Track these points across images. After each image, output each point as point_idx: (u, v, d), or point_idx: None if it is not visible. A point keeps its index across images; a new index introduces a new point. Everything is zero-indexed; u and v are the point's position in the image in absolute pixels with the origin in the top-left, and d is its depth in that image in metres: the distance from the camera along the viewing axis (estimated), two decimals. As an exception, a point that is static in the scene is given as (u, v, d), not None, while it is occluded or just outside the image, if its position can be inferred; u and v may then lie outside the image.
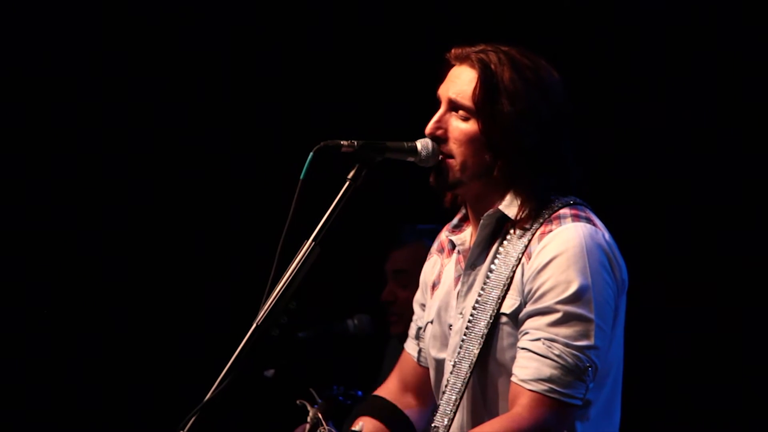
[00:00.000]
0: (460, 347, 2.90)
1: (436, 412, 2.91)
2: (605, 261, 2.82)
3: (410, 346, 3.21)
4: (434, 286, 3.10)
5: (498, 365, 2.88)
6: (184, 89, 5.75)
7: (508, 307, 2.86)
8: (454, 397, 2.88)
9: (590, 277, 2.79)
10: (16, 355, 5.73)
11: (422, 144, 2.93)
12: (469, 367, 2.87)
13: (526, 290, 2.84)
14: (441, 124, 2.94)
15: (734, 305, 4.94)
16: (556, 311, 2.79)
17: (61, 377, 5.76)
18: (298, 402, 4.80)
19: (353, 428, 3.09)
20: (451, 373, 2.90)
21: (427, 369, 3.14)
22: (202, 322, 5.75)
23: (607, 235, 2.87)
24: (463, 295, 2.96)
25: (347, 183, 2.86)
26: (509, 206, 2.91)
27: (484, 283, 2.90)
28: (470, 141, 2.91)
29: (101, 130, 5.75)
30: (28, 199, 5.70)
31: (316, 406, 4.73)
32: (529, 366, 2.79)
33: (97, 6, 5.63)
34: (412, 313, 3.22)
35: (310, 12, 5.65)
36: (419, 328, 3.18)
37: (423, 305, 3.17)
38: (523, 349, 2.81)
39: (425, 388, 3.17)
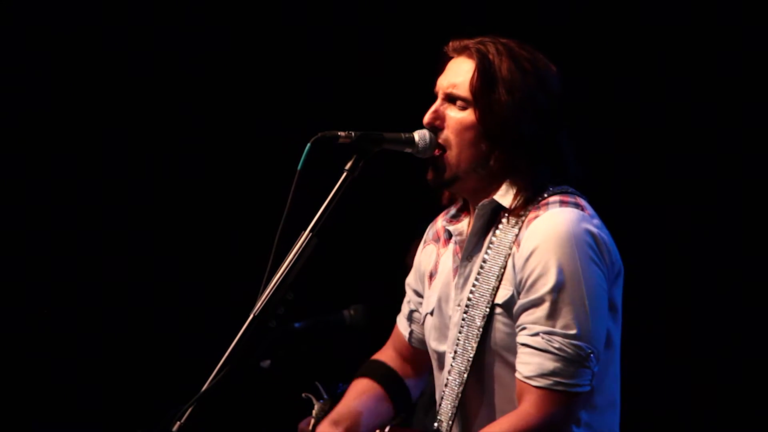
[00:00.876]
0: (458, 340, 2.91)
1: (439, 406, 2.92)
2: (593, 244, 2.81)
3: (402, 325, 3.23)
4: (431, 276, 3.11)
5: (495, 356, 2.88)
6: (181, 81, 5.74)
7: (501, 297, 2.87)
8: (456, 391, 2.89)
9: (578, 260, 2.79)
10: (15, 355, 5.73)
11: (419, 135, 2.93)
12: (468, 361, 2.88)
13: (517, 279, 2.85)
14: (438, 114, 2.95)
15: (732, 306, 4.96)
16: (549, 301, 2.79)
17: (61, 374, 5.77)
18: (303, 395, 4.80)
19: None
20: (452, 366, 2.91)
21: (418, 349, 3.17)
22: (200, 313, 5.75)
23: (596, 220, 2.87)
24: (459, 287, 2.97)
25: (344, 174, 2.86)
26: (504, 196, 2.92)
27: (478, 274, 2.91)
28: (467, 130, 2.91)
29: (100, 129, 5.74)
30: (27, 199, 5.71)
31: (321, 401, 4.74)
32: (532, 362, 2.79)
33: (96, 6, 5.63)
34: None
35: (309, 4, 5.64)
36: (412, 311, 3.19)
37: (416, 291, 3.18)
38: (523, 345, 2.82)
39: (418, 361, 3.20)
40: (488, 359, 2.89)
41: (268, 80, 5.73)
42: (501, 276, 2.87)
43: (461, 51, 2.96)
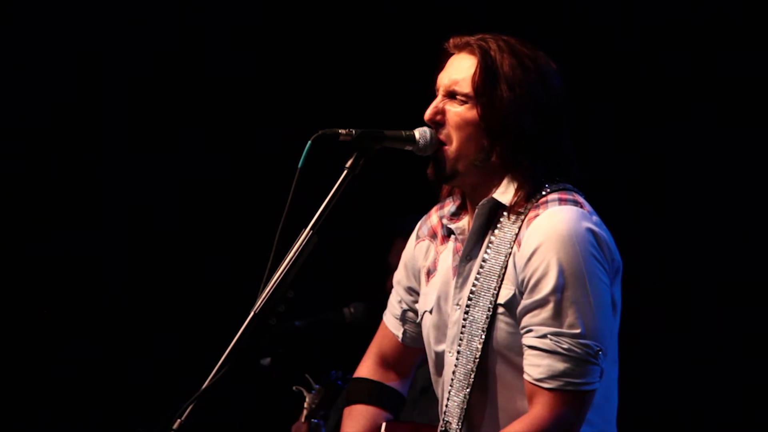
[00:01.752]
0: (460, 340, 2.90)
1: (446, 408, 2.92)
2: (594, 241, 2.81)
3: (393, 325, 3.19)
4: (429, 274, 3.09)
5: (498, 356, 2.88)
6: (181, 79, 5.74)
7: (503, 297, 2.86)
8: (462, 393, 2.89)
9: (581, 259, 2.79)
10: (15, 355, 5.73)
11: (420, 133, 2.93)
12: (474, 361, 2.87)
13: (519, 279, 2.84)
14: (439, 110, 2.94)
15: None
16: (553, 301, 2.78)
17: (60, 373, 5.77)
18: (294, 388, 4.80)
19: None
20: (455, 367, 2.91)
21: (409, 347, 3.15)
22: (200, 311, 5.75)
23: (595, 218, 2.86)
24: (459, 286, 2.96)
25: (345, 172, 2.86)
26: (504, 193, 2.91)
27: (478, 273, 2.90)
28: (468, 126, 2.91)
29: (99, 128, 5.74)
30: (27, 199, 5.71)
31: (312, 392, 4.74)
32: (541, 364, 2.79)
33: (95, 5, 5.63)
34: None
35: (308, 2, 5.64)
36: (405, 311, 3.17)
37: (409, 288, 3.16)
38: (530, 347, 2.81)
39: (405, 362, 3.19)
40: (492, 360, 2.88)
41: (268, 78, 5.73)
42: (502, 275, 2.87)
43: (462, 47, 2.95)
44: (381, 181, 5.06)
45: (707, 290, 4.99)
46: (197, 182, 5.81)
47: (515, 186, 2.90)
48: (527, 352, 2.82)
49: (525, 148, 2.89)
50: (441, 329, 3.01)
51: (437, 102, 2.95)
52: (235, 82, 5.75)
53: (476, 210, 2.93)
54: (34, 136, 5.70)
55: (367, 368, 3.23)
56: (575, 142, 2.96)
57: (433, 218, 3.13)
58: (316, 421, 4.69)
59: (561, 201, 2.86)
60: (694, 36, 4.97)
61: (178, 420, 2.70)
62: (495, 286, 2.87)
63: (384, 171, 4.56)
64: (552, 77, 2.93)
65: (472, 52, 2.93)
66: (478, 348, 2.87)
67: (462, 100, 2.92)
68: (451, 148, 2.92)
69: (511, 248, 2.86)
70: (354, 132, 2.87)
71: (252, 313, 2.76)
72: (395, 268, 4.85)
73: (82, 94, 5.70)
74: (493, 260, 2.88)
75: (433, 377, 3.06)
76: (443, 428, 2.92)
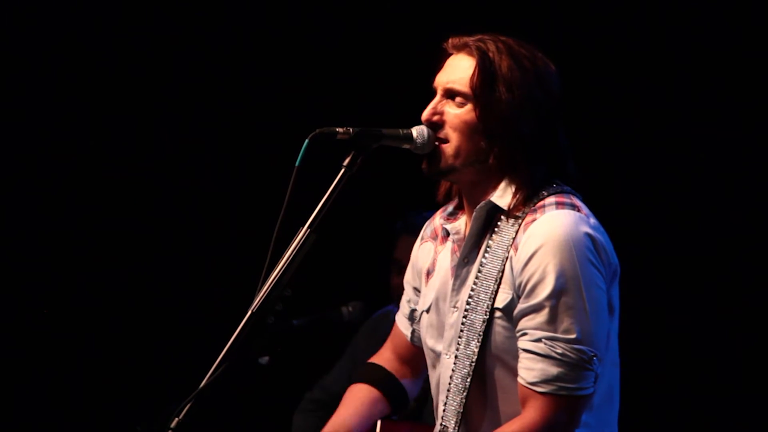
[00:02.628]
0: (458, 343, 2.91)
1: (443, 411, 2.92)
2: (591, 246, 2.82)
3: (403, 325, 3.22)
4: (429, 274, 3.10)
5: (496, 360, 2.88)
6: (179, 78, 5.74)
7: (501, 301, 2.87)
8: (459, 396, 2.89)
9: (577, 264, 2.79)
10: (15, 355, 5.74)
11: (418, 131, 2.93)
12: (471, 365, 2.87)
13: (516, 283, 2.84)
14: (437, 111, 2.94)
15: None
16: (549, 306, 2.78)
17: (59, 372, 5.78)
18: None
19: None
20: (452, 371, 2.91)
21: (419, 348, 3.16)
22: (198, 309, 5.75)
23: (593, 221, 2.87)
24: (456, 289, 2.96)
25: (342, 170, 2.86)
26: (502, 196, 2.91)
27: (476, 278, 2.90)
28: (466, 127, 2.91)
29: (99, 127, 5.74)
30: (27, 199, 5.71)
31: None
32: (535, 368, 2.80)
33: (93, 5, 5.63)
34: None
35: (308, 1, 5.64)
36: (413, 310, 3.18)
37: (415, 288, 3.17)
38: (525, 350, 2.82)
39: (417, 362, 3.19)
40: (489, 363, 2.89)
41: (265, 76, 5.73)
42: (499, 280, 2.87)
43: (461, 48, 2.95)
44: (379, 179, 5.06)
45: (707, 290, 4.99)
46: (195, 181, 5.81)
47: (513, 189, 2.90)
48: (522, 355, 2.82)
49: (523, 149, 2.89)
50: (438, 329, 3.02)
51: (435, 102, 2.95)
52: (232, 80, 5.74)
53: (474, 213, 2.93)
54: (33, 135, 5.69)
55: (383, 358, 3.25)
56: (573, 143, 2.96)
57: (437, 220, 3.14)
58: None
59: (558, 205, 2.86)
60: (694, 35, 4.97)
61: (176, 419, 2.70)
62: (492, 291, 2.87)
63: (381, 169, 4.56)
64: (550, 78, 2.93)
65: (470, 53, 2.93)
66: (475, 351, 2.88)
67: (460, 102, 2.92)
68: (449, 148, 2.92)
69: (508, 252, 2.86)
70: (351, 130, 2.87)
71: (250, 312, 2.76)
72: (400, 264, 4.88)
73: (82, 94, 5.70)
74: (491, 264, 2.89)
75: (431, 377, 3.06)
76: (440, 431, 2.92)
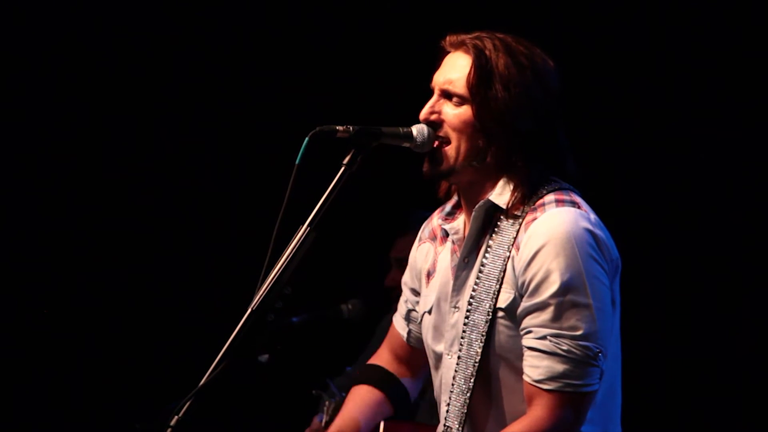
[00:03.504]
0: (461, 344, 2.91)
1: (447, 412, 2.92)
2: (593, 243, 2.82)
3: (400, 325, 3.22)
4: (429, 275, 3.10)
5: (499, 360, 2.88)
6: (179, 76, 5.74)
7: (503, 301, 2.86)
8: (463, 397, 2.89)
9: (580, 261, 2.79)
10: (15, 355, 5.74)
11: (418, 129, 2.93)
12: (474, 365, 2.87)
13: (519, 283, 2.84)
14: (435, 110, 2.94)
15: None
16: (554, 304, 2.78)
17: (58, 370, 5.78)
18: (314, 392, 4.79)
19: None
20: (455, 371, 2.91)
21: (416, 348, 3.17)
22: (198, 307, 5.75)
23: (593, 217, 2.87)
24: (457, 289, 2.96)
25: (342, 168, 2.86)
26: (500, 195, 2.91)
27: (477, 278, 2.90)
28: (464, 126, 2.91)
29: (99, 127, 5.74)
30: (26, 199, 5.71)
31: (334, 399, 4.73)
32: (540, 365, 2.80)
33: (93, 5, 5.63)
34: None
35: (306, 1, 5.64)
36: (409, 311, 3.18)
37: (413, 289, 3.17)
38: (530, 348, 2.81)
39: (415, 362, 3.20)
40: (493, 363, 2.89)
41: (265, 75, 5.73)
42: (501, 279, 2.87)
43: (458, 46, 2.95)
44: (378, 177, 5.06)
45: (707, 290, 4.99)
46: (195, 179, 5.81)
47: (511, 188, 2.90)
48: (527, 353, 2.82)
49: (521, 148, 2.89)
50: (439, 330, 3.02)
51: (433, 102, 2.95)
52: (232, 80, 5.74)
53: (473, 213, 2.93)
54: (33, 135, 5.70)
55: (381, 358, 3.25)
56: (571, 140, 2.96)
57: (434, 220, 3.13)
58: None
59: (558, 202, 2.86)
60: (694, 35, 4.97)
61: (176, 416, 2.70)
62: (494, 290, 2.87)
63: (381, 167, 4.56)
64: (548, 76, 2.92)
65: (467, 51, 2.92)
66: (477, 352, 2.87)
67: (457, 101, 2.92)
68: (450, 147, 2.92)
69: (510, 252, 2.86)
70: (351, 129, 2.87)
71: (250, 310, 2.77)
72: (396, 263, 4.88)
73: (82, 94, 5.70)
74: (492, 264, 2.88)
75: (434, 378, 3.06)
76: (444, 432, 2.93)
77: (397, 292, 4.86)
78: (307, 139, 2.82)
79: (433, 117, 2.94)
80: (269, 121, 5.68)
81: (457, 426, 2.89)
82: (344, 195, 2.84)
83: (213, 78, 5.74)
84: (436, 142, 2.93)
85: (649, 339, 4.94)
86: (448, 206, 3.08)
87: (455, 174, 2.94)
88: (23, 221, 5.73)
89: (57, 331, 5.78)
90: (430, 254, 3.11)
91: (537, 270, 2.80)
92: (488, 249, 2.90)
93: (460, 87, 2.91)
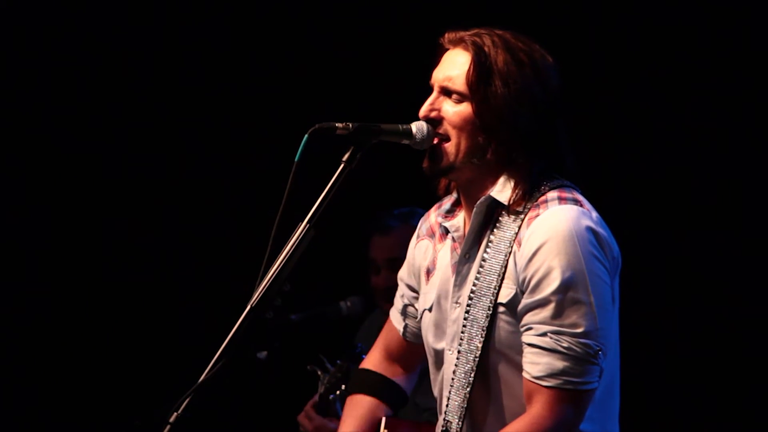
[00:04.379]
0: (461, 339, 2.91)
1: (447, 407, 2.92)
2: (594, 241, 2.82)
3: (397, 320, 3.22)
4: (429, 273, 3.09)
5: (499, 355, 2.88)
6: (178, 74, 5.74)
7: (504, 296, 2.86)
8: (463, 392, 2.89)
9: (582, 259, 2.79)
10: (15, 354, 5.74)
11: (417, 127, 2.93)
12: (474, 360, 2.87)
13: (520, 279, 2.84)
14: (435, 107, 2.94)
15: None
16: (555, 301, 2.79)
17: (57, 367, 5.78)
18: (308, 367, 4.80)
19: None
20: (456, 366, 2.91)
21: (412, 343, 3.17)
22: (197, 304, 5.75)
23: (594, 215, 2.87)
24: (458, 285, 2.96)
25: (342, 165, 2.86)
26: (501, 191, 2.91)
27: (478, 273, 2.90)
28: (464, 123, 2.90)
29: (99, 126, 5.74)
30: (26, 199, 5.72)
31: (331, 368, 4.73)
32: (540, 362, 2.80)
33: (93, 5, 5.63)
34: None
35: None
36: (406, 305, 3.18)
37: (410, 286, 3.17)
38: (530, 345, 2.81)
39: (410, 357, 3.20)
40: (493, 358, 2.89)
41: (265, 71, 5.72)
42: (502, 275, 2.87)
43: (457, 43, 2.94)
44: (377, 174, 5.06)
45: (707, 288, 4.99)
46: (194, 176, 5.80)
47: (512, 184, 2.90)
48: (527, 349, 2.82)
49: (521, 144, 2.89)
50: (440, 327, 3.02)
51: (432, 99, 2.95)
52: (231, 76, 5.74)
53: (474, 209, 2.93)
54: (33, 135, 5.69)
55: (372, 361, 3.25)
56: (572, 137, 2.95)
57: (432, 217, 3.13)
58: (332, 396, 4.68)
59: (561, 200, 2.86)
60: (693, 34, 4.97)
61: (175, 413, 2.70)
62: (495, 286, 2.87)
63: (380, 164, 4.56)
64: (548, 72, 2.92)
65: (466, 48, 2.92)
66: (478, 347, 2.88)
67: (457, 98, 2.92)
68: (450, 144, 2.92)
69: (511, 247, 2.86)
70: (351, 126, 2.87)
71: (248, 307, 2.77)
72: (376, 263, 4.87)
73: (82, 93, 5.70)
74: (493, 259, 2.88)
75: (432, 376, 3.06)
76: (444, 428, 2.92)
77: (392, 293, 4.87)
78: (306, 136, 2.82)
79: (433, 114, 2.93)
80: (268, 118, 5.68)
81: (457, 421, 2.90)
82: (344, 192, 2.84)
83: (212, 75, 5.74)
84: (436, 139, 2.93)
85: (649, 338, 4.94)
86: (446, 203, 3.08)
87: (455, 171, 2.93)
88: (23, 221, 5.73)
89: (56, 329, 5.77)
90: (429, 251, 3.11)
91: (538, 267, 2.81)
92: (489, 244, 2.90)
93: (459, 84, 2.91)
